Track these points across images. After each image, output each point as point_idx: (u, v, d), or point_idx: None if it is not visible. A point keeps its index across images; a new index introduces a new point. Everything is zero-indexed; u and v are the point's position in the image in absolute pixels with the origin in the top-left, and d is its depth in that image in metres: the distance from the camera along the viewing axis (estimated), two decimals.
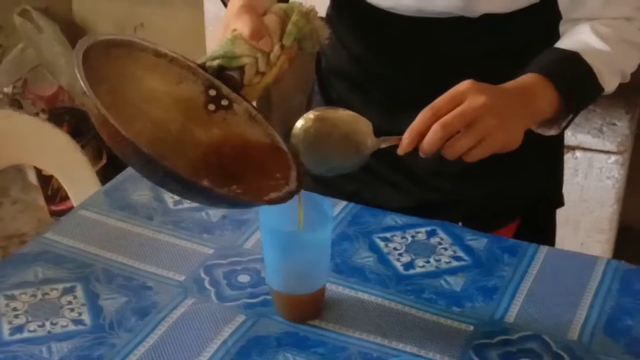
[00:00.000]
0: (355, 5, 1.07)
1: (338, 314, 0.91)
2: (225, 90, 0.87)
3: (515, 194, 1.15)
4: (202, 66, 0.88)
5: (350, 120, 0.86)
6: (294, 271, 0.88)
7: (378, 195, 1.13)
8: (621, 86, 1.02)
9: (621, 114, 1.93)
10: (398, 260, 0.99)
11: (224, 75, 0.87)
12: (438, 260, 0.99)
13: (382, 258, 0.99)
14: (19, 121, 1.40)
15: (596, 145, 1.86)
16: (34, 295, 0.93)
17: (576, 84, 0.94)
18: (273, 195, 0.80)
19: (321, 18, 0.93)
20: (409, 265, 0.98)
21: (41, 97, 2.47)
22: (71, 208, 1.15)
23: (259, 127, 0.87)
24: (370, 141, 0.86)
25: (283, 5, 0.92)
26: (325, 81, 1.17)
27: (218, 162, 0.86)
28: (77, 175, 1.37)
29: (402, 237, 1.03)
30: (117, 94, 0.82)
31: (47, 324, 0.89)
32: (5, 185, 2.52)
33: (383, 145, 0.86)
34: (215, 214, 1.06)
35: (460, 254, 1.00)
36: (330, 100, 1.16)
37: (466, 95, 0.84)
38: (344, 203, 1.09)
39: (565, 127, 0.98)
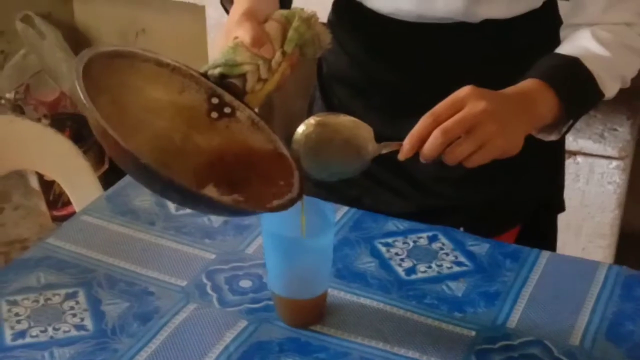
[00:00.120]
0: (356, 10, 1.08)
1: (340, 319, 0.91)
2: (228, 97, 0.88)
3: (517, 200, 1.15)
4: (204, 74, 0.88)
5: (352, 125, 0.87)
6: (295, 276, 0.88)
7: (379, 201, 1.14)
8: (622, 92, 1.03)
9: (622, 120, 1.93)
10: (400, 265, 0.99)
11: (226, 83, 0.88)
12: (440, 266, 0.99)
13: (384, 263, 0.99)
14: (21, 126, 1.40)
15: (597, 151, 1.86)
16: (36, 301, 0.93)
17: (576, 90, 0.94)
18: (275, 202, 0.81)
19: (322, 23, 0.94)
20: (410, 271, 0.98)
21: (43, 102, 2.48)
22: (73, 213, 1.15)
23: (262, 134, 0.88)
24: (371, 147, 0.86)
25: (284, 11, 0.92)
26: (326, 87, 1.18)
27: (222, 169, 0.86)
28: (79, 181, 1.37)
29: (404, 243, 1.03)
30: (119, 105, 0.83)
31: (50, 329, 0.89)
32: (7, 190, 2.52)
33: (384, 151, 0.86)
34: (217, 219, 1.06)
35: (462, 259, 1.00)
36: (331, 106, 1.16)
37: (466, 101, 0.84)
38: (345, 208, 1.09)
39: (566, 133, 0.98)
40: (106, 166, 2.38)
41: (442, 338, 0.88)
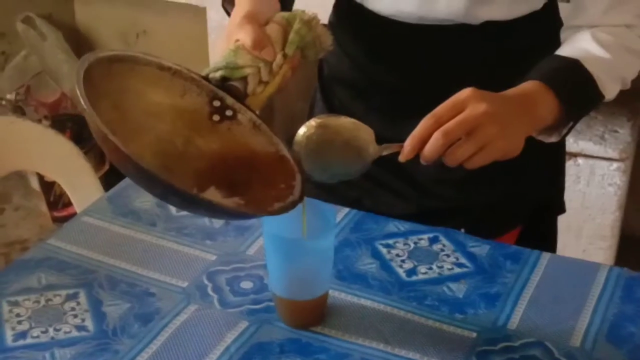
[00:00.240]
0: (357, 12, 1.08)
1: (340, 320, 0.91)
2: (230, 100, 0.88)
3: (517, 201, 1.15)
4: (206, 77, 0.88)
5: (352, 127, 0.87)
6: (296, 277, 0.88)
7: (380, 202, 1.14)
8: (623, 93, 1.03)
9: (623, 121, 1.93)
10: (400, 266, 0.99)
11: (228, 86, 0.88)
12: (440, 267, 0.99)
13: (385, 264, 0.99)
14: (22, 127, 1.41)
15: (598, 153, 1.86)
16: (37, 302, 0.93)
17: (577, 92, 0.94)
18: (276, 205, 0.81)
19: (323, 25, 0.94)
20: (411, 272, 0.98)
21: (44, 103, 2.48)
22: (73, 214, 1.15)
23: (263, 137, 0.88)
24: (372, 148, 0.86)
25: (285, 13, 0.92)
26: (327, 88, 1.18)
27: (223, 172, 0.86)
28: (80, 182, 1.37)
29: (405, 244, 1.03)
30: (120, 109, 0.83)
31: (51, 330, 0.89)
32: (7, 191, 2.52)
33: (385, 153, 0.86)
34: (218, 220, 1.06)
35: (463, 260, 1.00)
36: (332, 108, 1.16)
37: (467, 102, 0.84)
38: (346, 210, 1.09)
39: (566, 134, 0.98)
40: (107, 167, 2.38)
41: (442, 339, 0.88)
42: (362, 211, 1.09)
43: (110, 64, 0.83)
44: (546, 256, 1.01)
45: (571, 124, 0.96)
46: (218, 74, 0.88)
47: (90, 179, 1.37)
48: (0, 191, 2.49)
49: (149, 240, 1.03)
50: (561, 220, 1.22)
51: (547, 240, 1.20)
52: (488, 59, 1.04)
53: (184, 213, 1.07)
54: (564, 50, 0.97)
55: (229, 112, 0.88)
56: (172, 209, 1.08)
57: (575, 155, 1.86)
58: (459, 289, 0.95)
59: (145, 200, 1.10)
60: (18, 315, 0.91)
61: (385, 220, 1.07)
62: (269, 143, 0.88)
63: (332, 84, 1.17)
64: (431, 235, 1.04)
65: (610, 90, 0.96)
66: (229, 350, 0.87)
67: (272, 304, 0.92)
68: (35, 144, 1.39)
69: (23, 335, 0.89)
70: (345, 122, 0.87)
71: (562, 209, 1.21)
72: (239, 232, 1.05)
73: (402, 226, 1.06)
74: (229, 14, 0.98)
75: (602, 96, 0.96)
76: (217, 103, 0.88)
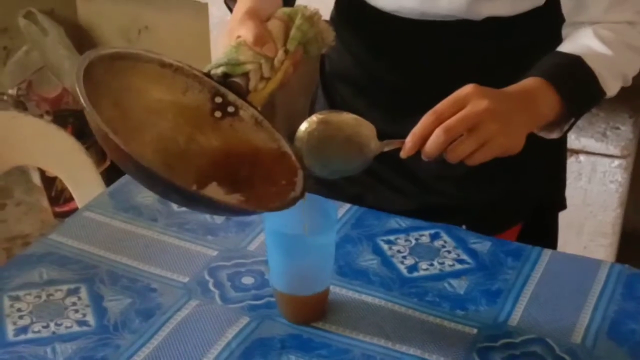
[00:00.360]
0: (359, 8, 1.08)
1: (342, 316, 0.91)
2: (231, 97, 0.88)
3: (518, 198, 1.15)
4: (207, 74, 0.88)
5: (354, 123, 0.87)
6: (297, 273, 0.88)
7: (381, 199, 1.14)
8: (625, 90, 1.03)
9: (625, 118, 1.93)
10: (402, 263, 0.99)
11: (229, 82, 0.88)
12: (442, 263, 0.99)
13: (386, 261, 0.99)
14: (23, 123, 1.41)
15: (600, 149, 1.86)
16: (39, 297, 0.93)
17: (578, 88, 0.94)
18: (277, 202, 0.81)
19: (325, 21, 0.93)
20: (412, 268, 0.98)
21: (45, 99, 2.48)
22: (75, 209, 1.15)
23: (265, 133, 0.88)
24: (374, 144, 0.86)
25: (287, 9, 0.92)
26: (329, 85, 1.18)
27: (225, 169, 0.86)
28: (82, 177, 1.37)
29: (406, 240, 1.03)
30: (122, 107, 0.83)
31: (52, 325, 0.89)
32: (9, 186, 2.53)
33: (386, 149, 0.86)
34: (219, 216, 1.06)
35: (464, 257, 1.00)
36: (334, 104, 1.16)
37: (469, 99, 0.84)
38: (347, 206, 1.09)
39: (567, 131, 0.98)
40: (108, 162, 2.38)
41: (443, 336, 0.88)
42: (364, 207, 1.09)
43: (112, 62, 0.83)
44: (547, 253, 1.01)
45: (572, 120, 0.96)
46: (220, 71, 0.88)
47: (91, 174, 1.37)
48: (2, 186, 2.50)
49: (150, 235, 1.03)
50: (562, 217, 1.22)
51: (548, 237, 1.20)
52: (490, 55, 1.04)
53: (185, 208, 1.07)
54: (565, 47, 0.97)
55: (230, 109, 0.88)
56: (174, 205, 1.08)
57: (576, 152, 1.86)
58: (460, 286, 0.96)
59: (146, 195, 1.10)
60: (19, 310, 0.91)
61: (387, 216, 1.07)
62: (270, 139, 0.88)
63: (333, 80, 1.17)
64: (432, 231, 1.04)
65: (611, 87, 0.96)
66: (230, 346, 0.87)
67: (273, 299, 0.92)
68: (36, 139, 1.39)
69: (24, 330, 0.89)
70: (347, 118, 0.87)
71: (563, 206, 1.21)
72: (240, 227, 1.05)
73: (404, 222, 1.06)
74: (231, 10, 0.98)
75: (603, 93, 0.96)
76: (219, 99, 0.88)
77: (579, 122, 0.99)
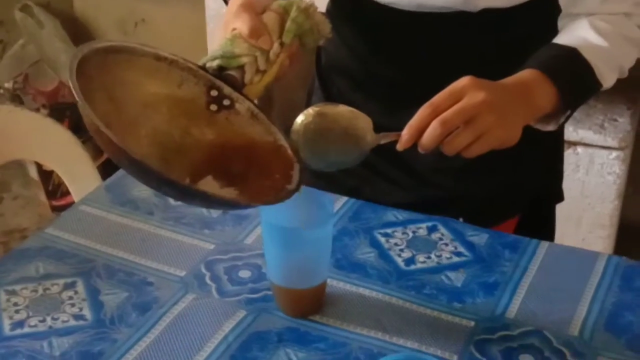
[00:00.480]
0: (354, 0, 1.07)
1: (339, 309, 0.91)
2: (227, 90, 0.87)
3: (516, 190, 1.15)
4: (203, 67, 0.88)
5: (350, 116, 0.86)
6: (294, 266, 0.88)
7: (378, 191, 1.13)
8: (623, 82, 1.02)
9: (623, 110, 1.93)
10: (399, 255, 0.99)
11: (225, 75, 0.87)
12: (439, 256, 0.99)
13: (383, 254, 0.99)
14: (19, 116, 1.40)
15: (597, 141, 1.85)
16: (35, 291, 0.93)
17: (574, 80, 0.94)
18: (273, 195, 0.81)
19: (322, 13, 0.93)
20: (409, 261, 0.98)
21: (42, 92, 2.47)
22: (72, 203, 1.15)
23: (261, 126, 0.87)
24: (370, 137, 0.86)
25: (282, 2, 0.92)
26: (325, 77, 1.17)
27: (221, 162, 0.86)
28: (78, 171, 1.37)
29: (403, 233, 1.03)
30: (117, 101, 0.82)
31: (48, 319, 0.89)
32: (6, 180, 2.52)
33: (382, 141, 0.86)
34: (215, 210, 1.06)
35: (461, 249, 1.00)
36: (330, 97, 1.16)
37: (465, 91, 0.84)
38: (344, 199, 1.09)
39: (564, 123, 0.98)
40: (105, 156, 2.38)
41: (441, 328, 0.88)
42: (361, 200, 1.09)
43: (106, 55, 0.82)
44: (545, 245, 1.01)
45: (569, 112, 0.96)
46: (215, 64, 0.87)
47: (88, 168, 1.36)
48: None
49: (146, 229, 1.03)
50: (560, 209, 1.22)
51: (545, 229, 1.19)
52: (486, 47, 1.04)
53: (182, 202, 1.07)
54: (561, 39, 0.97)
55: (226, 102, 0.88)
56: (170, 198, 1.08)
57: (574, 143, 1.86)
58: (457, 278, 0.95)
59: (143, 189, 1.09)
60: (16, 304, 0.91)
61: (384, 209, 1.07)
62: (266, 132, 0.87)
63: (330, 73, 1.16)
64: (430, 224, 1.04)
65: (607, 78, 0.96)
66: (227, 340, 0.86)
67: (270, 293, 0.92)
68: (33, 133, 1.39)
69: (21, 324, 0.89)
70: (343, 110, 0.87)
71: (560, 198, 1.21)
72: (237, 221, 1.04)
73: (401, 215, 1.06)
74: (226, 2, 0.98)
75: (599, 85, 0.96)
76: (214, 93, 0.88)
77: (577, 114, 0.99)
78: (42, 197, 2.43)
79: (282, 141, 0.87)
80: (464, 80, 0.85)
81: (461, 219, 1.06)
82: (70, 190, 1.38)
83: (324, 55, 1.17)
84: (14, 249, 1.02)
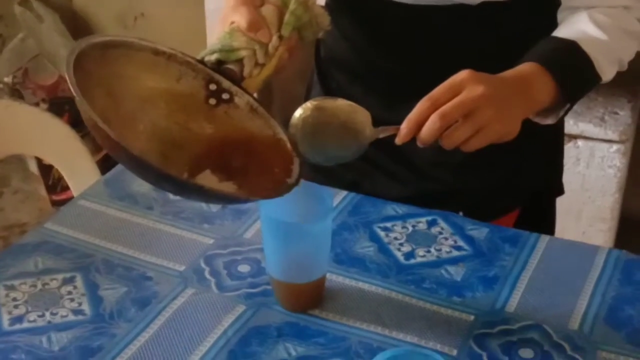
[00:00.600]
0: None
1: (338, 303, 0.91)
2: (226, 83, 0.87)
3: (515, 184, 1.14)
4: (201, 61, 0.87)
5: (349, 110, 0.86)
6: (294, 261, 0.88)
7: (377, 185, 1.13)
8: (623, 75, 1.02)
9: (623, 103, 1.93)
10: (399, 250, 0.99)
11: (223, 69, 0.87)
12: (439, 250, 0.99)
13: (383, 248, 0.99)
14: (18, 111, 1.40)
15: (598, 134, 1.85)
16: (34, 286, 0.93)
17: (574, 73, 0.93)
18: (271, 190, 0.81)
19: (320, 6, 0.93)
20: (409, 255, 0.98)
21: (42, 86, 2.47)
22: (72, 198, 1.15)
23: (260, 120, 0.87)
24: (369, 131, 0.85)
25: None
26: (324, 70, 1.17)
27: (220, 156, 0.86)
28: (78, 166, 1.37)
29: (403, 227, 1.02)
30: (115, 96, 0.82)
31: (47, 314, 0.89)
32: (6, 174, 2.52)
33: (381, 135, 0.86)
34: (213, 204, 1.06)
35: (461, 243, 1.00)
36: (329, 90, 1.15)
37: (464, 85, 0.84)
38: (344, 193, 1.09)
39: (563, 116, 0.98)
40: (104, 151, 2.37)
41: (440, 322, 0.88)
42: (360, 194, 1.08)
43: (104, 50, 0.82)
44: (545, 239, 1.01)
45: (568, 106, 0.96)
46: (214, 57, 0.87)
47: (87, 162, 1.36)
48: None
49: (145, 223, 1.03)
50: (561, 202, 1.22)
51: (545, 222, 1.19)
52: (485, 40, 1.03)
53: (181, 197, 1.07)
54: (561, 32, 0.97)
55: (225, 96, 0.87)
56: (169, 193, 1.08)
57: (575, 137, 1.86)
58: (457, 272, 0.95)
59: (142, 183, 1.09)
60: (15, 299, 0.91)
61: (383, 203, 1.06)
62: (266, 126, 0.87)
63: (329, 66, 1.16)
64: (429, 218, 1.04)
65: (607, 72, 0.96)
66: (226, 334, 0.86)
67: (269, 287, 0.92)
68: (31, 128, 1.39)
69: (19, 319, 0.88)
70: (342, 104, 0.87)
71: (560, 191, 1.21)
72: (237, 215, 1.04)
73: (400, 209, 1.06)
74: None
75: (599, 78, 0.95)
76: (213, 86, 0.87)
77: (577, 107, 0.99)
78: (42, 191, 2.43)
79: (282, 135, 0.86)
80: (463, 74, 0.85)
81: (461, 213, 1.06)
82: (70, 184, 1.38)
83: (322, 48, 1.17)
84: (13, 244, 1.02)
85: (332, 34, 1.06)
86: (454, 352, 0.84)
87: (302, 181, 0.84)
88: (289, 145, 0.85)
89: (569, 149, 1.85)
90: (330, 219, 0.89)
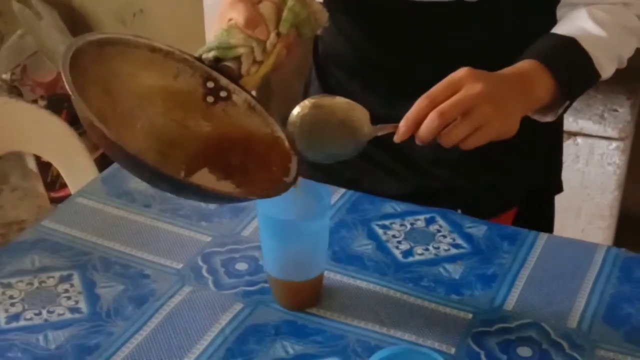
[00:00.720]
0: None
1: (336, 302, 0.90)
2: (224, 81, 0.87)
3: (514, 181, 1.14)
4: (199, 58, 0.87)
5: (347, 107, 0.86)
6: (291, 259, 0.87)
7: (376, 183, 1.13)
8: (623, 72, 1.02)
9: (622, 100, 1.92)
10: (397, 247, 0.98)
11: (221, 67, 0.86)
12: (437, 248, 0.98)
13: (381, 246, 0.99)
14: (15, 108, 1.40)
15: (597, 132, 1.85)
16: (31, 284, 0.93)
17: (573, 71, 0.93)
18: (269, 189, 0.80)
19: (319, 2, 0.92)
20: (407, 253, 0.97)
21: (40, 83, 2.46)
22: (70, 195, 1.14)
23: (258, 117, 0.87)
24: (367, 129, 0.85)
25: None
26: (323, 67, 1.17)
27: (218, 155, 0.85)
28: (75, 163, 1.36)
29: (401, 225, 1.02)
30: (112, 94, 0.82)
31: (44, 312, 0.89)
32: (4, 171, 2.52)
33: (380, 133, 0.85)
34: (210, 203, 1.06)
35: (460, 241, 1.00)
36: (328, 87, 1.15)
37: (463, 82, 0.83)
38: (342, 190, 1.08)
39: (563, 114, 0.98)
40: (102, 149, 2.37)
41: (439, 321, 0.88)
42: (359, 191, 1.08)
43: (100, 48, 0.81)
44: (543, 237, 1.01)
45: (567, 103, 0.95)
46: (211, 55, 0.86)
47: (85, 160, 1.36)
48: None
49: (143, 221, 1.03)
50: (560, 199, 1.22)
51: (544, 220, 1.19)
52: (485, 37, 1.03)
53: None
54: (560, 29, 0.96)
55: (223, 93, 0.87)
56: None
57: (574, 134, 1.86)
58: (455, 270, 0.95)
59: (139, 181, 1.07)
60: (11, 297, 0.91)
61: (382, 201, 1.06)
62: (264, 124, 0.87)
63: (328, 63, 1.16)
64: (428, 216, 1.04)
65: (606, 69, 0.95)
66: (223, 332, 0.86)
67: (267, 285, 0.91)
68: (29, 125, 1.38)
69: (16, 317, 0.88)
70: (340, 102, 0.86)
71: (559, 189, 1.21)
72: (234, 213, 1.04)
73: (399, 207, 1.05)
74: None
75: (598, 75, 0.95)
76: (210, 84, 0.87)
77: (577, 104, 0.98)
78: (41, 188, 2.43)
79: (280, 133, 0.86)
80: (461, 71, 0.84)
81: (459, 211, 1.05)
82: (67, 182, 1.37)
83: (321, 45, 1.16)
84: (10, 242, 1.01)
85: (331, 30, 1.06)
86: (452, 351, 0.84)
87: (300, 179, 0.83)
88: (287, 143, 0.85)
89: (568, 146, 1.84)
90: (328, 216, 0.89)
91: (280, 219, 0.86)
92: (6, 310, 0.89)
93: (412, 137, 0.84)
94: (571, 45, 0.93)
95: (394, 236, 1.00)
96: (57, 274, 0.94)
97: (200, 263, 0.96)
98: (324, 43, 1.15)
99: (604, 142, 1.85)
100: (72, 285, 0.92)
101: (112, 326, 0.87)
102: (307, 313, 0.89)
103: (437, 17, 1.02)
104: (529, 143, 1.03)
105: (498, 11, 1.01)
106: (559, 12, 1.01)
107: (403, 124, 0.83)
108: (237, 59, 0.87)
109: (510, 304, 0.90)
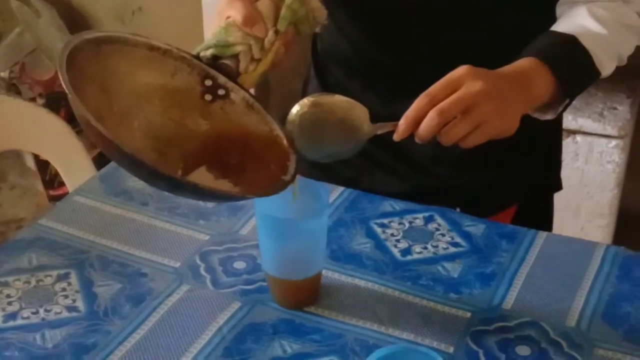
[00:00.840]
0: None
1: (334, 300, 0.90)
2: (222, 79, 0.86)
3: (513, 180, 1.14)
4: (197, 56, 0.86)
5: (346, 106, 0.85)
6: (289, 257, 0.87)
7: (375, 181, 1.13)
8: (622, 70, 1.01)
9: (622, 98, 1.92)
10: (395, 246, 0.98)
11: (219, 65, 0.86)
12: (435, 247, 0.98)
13: (379, 244, 0.98)
14: (13, 106, 1.39)
15: (597, 130, 1.85)
16: (28, 282, 0.92)
17: (573, 68, 0.93)
18: (267, 187, 0.80)
19: (317, 0, 0.92)
20: (406, 252, 0.97)
21: (39, 81, 2.46)
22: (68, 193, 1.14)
23: (257, 116, 0.86)
24: (367, 127, 0.85)
25: None
26: (321, 65, 1.16)
27: (216, 153, 0.85)
28: (73, 161, 1.36)
29: (400, 223, 1.02)
30: (109, 92, 0.81)
31: (41, 310, 0.88)
32: (3, 170, 2.51)
33: (379, 132, 0.85)
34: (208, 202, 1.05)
35: (458, 240, 0.99)
36: (327, 85, 1.15)
37: (463, 81, 0.83)
38: (341, 189, 1.08)
39: (562, 112, 0.97)
40: None
41: (437, 319, 0.88)
42: (358, 190, 1.08)
43: (98, 46, 0.81)
44: (542, 235, 1.00)
45: (567, 101, 0.95)
46: (209, 53, 0.86)
47: (83, 158, 1.35)
48: None
49: (141, 220, 1.02)
50: (559, 198, 1.22)
51: (543, 218, 1.19)
52: (484, 35, 1.02)
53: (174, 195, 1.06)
54: (559, 26, 0.96)
55: (221, 91, 0.87)
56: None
57: (574, 132, 1.85)
58: (453, 269, 0.95)
59: (137, 179, 1.07)
60: (8, 296, 0.90)
61: (380, 199, 1.06)
62: (262, 122, 0.86)
63: (326, 61, 1.15)
64: (426, 214, 1.03)
65: (606, 66, 0.95)
66: (221, 331, 0.86)
67: (265, 284, 0.91)
68: (27, 123, 1.38)
69: (13, 316, 0.88)
70: (339, 100, 0.86)
71: (558, 187, 1.21)
72: (232, 211, 1.04)
73: (397, 205, 1.05)
74: None
75: (598, 73, 0.95)
76: (208, 82, 0.87)
77: (576, 102, 0.98)
78: (39, 186, 2.42)
79: (278, 131, 0.86)
80: (461, 70, 0.84)
81: (458, 209, 1.05)
82: (65, 180, 1.37)
83: (319, 43, 1.16)
84: (7, 241, 1.01)
85: (329, 28, 1.06)
86: (451, 350, 0.84)
87: (298, 177, 0.83)
88: (285, 141, 0.85)
89: (568, 144, 1.84)
90: (326, 215, 0.89)
91: (278, 217, 0.86)
92: (3, 309, 0.89)
93: (411, 136, 0.84)
94: (571, 42, 0.93)
95: (392, 235, 1.00)
96: (54, 273, 0.94)
97: (198, 262, 0.96)
98: (323, 41, 1.15)
99: (604, 140, 1.85)
100: (69, 284, 0.92)
101: (110, 325, 0.87)
102: (305, 312, 0.89)
103: (437, 16, 1.02)
104: (529, 141, 1.02)
105: (498, 10, 1.01)
106: (559, 9, 1.01)
107: (403, 123, 0.83)
108: (235, 56, 0.86)
109: (509, 302, 0.90)
